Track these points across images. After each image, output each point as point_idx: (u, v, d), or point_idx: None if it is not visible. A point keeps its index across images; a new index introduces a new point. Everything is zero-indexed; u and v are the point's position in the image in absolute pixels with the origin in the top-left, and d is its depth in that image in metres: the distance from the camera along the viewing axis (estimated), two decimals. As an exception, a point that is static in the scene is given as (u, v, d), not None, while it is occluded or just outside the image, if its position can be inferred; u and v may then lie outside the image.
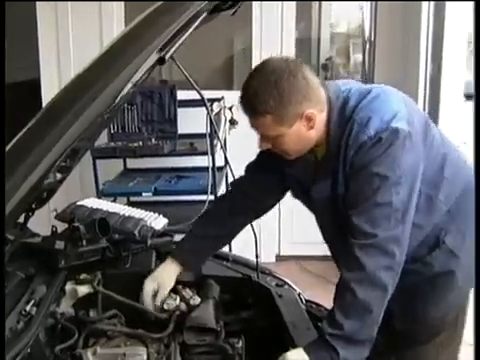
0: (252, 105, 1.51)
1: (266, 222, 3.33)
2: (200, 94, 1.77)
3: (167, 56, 1.27)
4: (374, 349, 1.48)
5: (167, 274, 1.77)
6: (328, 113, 1.57)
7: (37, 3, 4.12)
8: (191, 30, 1.32)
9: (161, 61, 1.29)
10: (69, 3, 4.11)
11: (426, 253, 1.66)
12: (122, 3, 4.17)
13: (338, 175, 1.57)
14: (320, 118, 1.55)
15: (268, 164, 1.77)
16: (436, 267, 1.67)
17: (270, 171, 1.78)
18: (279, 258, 4.51)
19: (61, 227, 1.86)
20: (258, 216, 1.91)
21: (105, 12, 4.15)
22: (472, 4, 2.33)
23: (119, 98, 1.28)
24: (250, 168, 1.88)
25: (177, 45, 1.29)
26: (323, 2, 5.18)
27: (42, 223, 1.94)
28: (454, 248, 1.66)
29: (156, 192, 3.59)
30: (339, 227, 1.60)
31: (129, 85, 1.27)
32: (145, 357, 1.53)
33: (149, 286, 1.73)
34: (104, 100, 1.25)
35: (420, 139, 1.56)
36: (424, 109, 3.58)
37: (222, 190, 3.63)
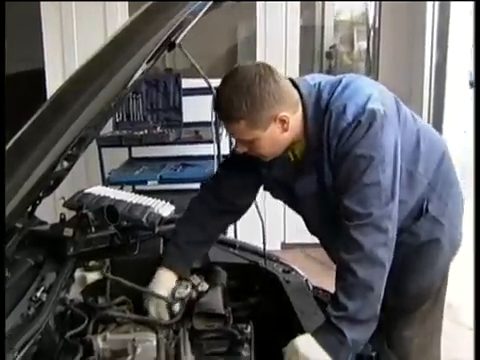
0: (226, 112, 1.54)
1: (271, 210, 3.33)
2: (207, 81, 1.78)
3: (177, 41, 1.28)
4: (378, 326, 1.51)
5: (165, 279, 1.76)
6: (303, 111, 1.59)
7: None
8: (199, 16, 1.32)
9: (171, 46, 1.29)
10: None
11: (411, 223, 1.70)
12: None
13: (323, 167, 1.59)
14: (294, 119, 1.57)
15: (242, 165, 1.77)
16: (422, 236, 1.71)
17: (244, 171, 1.79)
18: (284, 246, 4.52)
19: (69, 215, 1.88)
20: (237, 217, 1.93)
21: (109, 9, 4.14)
22: (472, 4, 2.33)
23: (128, 86, 1.28)
24: (223, 169, 1.91)
25: (185, 31, 1.29)
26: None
27: (49, 211, 1.95)
28: (437, 215, 1.71)
29: (161, 180, 3.59)
30: (326, 218, 1.64)
31: (139, 72, 1.27)
32: (154, 343, 1.55)
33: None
34: (113, 88, 1.25)
35: (395, 118, 1.60)
36: (430, 96, 3.57)
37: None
